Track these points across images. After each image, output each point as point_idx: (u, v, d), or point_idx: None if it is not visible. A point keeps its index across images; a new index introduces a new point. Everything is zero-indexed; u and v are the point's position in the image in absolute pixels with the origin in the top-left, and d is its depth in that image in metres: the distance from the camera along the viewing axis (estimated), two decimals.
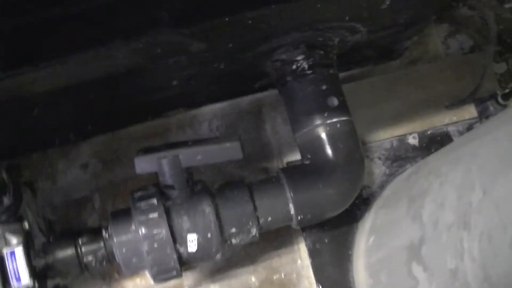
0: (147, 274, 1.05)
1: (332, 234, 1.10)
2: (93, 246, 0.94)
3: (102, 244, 0.94)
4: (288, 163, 1.06)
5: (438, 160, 0.97)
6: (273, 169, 1.13)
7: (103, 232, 0.94)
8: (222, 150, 0.92)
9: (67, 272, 0.93)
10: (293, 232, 1.10)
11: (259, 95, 1.15)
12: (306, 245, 1.10)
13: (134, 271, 0.96)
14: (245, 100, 1.15)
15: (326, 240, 1.10)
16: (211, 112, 1.14)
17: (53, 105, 0.96)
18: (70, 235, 0.95)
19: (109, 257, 0.94)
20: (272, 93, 1.13)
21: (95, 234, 0.95)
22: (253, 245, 1.04)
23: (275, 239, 1.09)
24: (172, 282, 1.08)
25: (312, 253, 1.09)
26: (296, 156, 1.07)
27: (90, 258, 0.94)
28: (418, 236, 0.87)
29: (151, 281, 1.05)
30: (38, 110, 0.94)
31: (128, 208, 0.94)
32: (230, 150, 0.92)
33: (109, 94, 0.98)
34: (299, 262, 1.10)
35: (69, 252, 0.93)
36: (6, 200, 0.85)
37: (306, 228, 1.09)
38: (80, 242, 0.94)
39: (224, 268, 1.09)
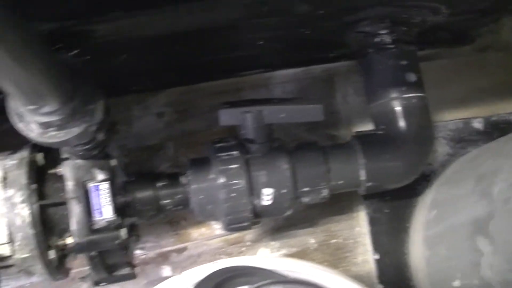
0: (213, 225, 1.11)
1: (392, 205, 1.14)
2: (171, 190, 0.97)
3: (179, 189, 0.97)
4: (356, 132, 1.09)
5: (507, 143, 1.00)
6: (340, 136, 1.17)
7: (181, 178, 0.98)
8: (304, 111, 0.95)
9: (144, 212, 0.96)
10: (353, 199, 1.14)
11: (332, 65, 1.18)
12: (367, 213, 1.14)
13: (206, 218, 0.99)
14: (319, 68, 1.19)
15: (386, 210, 1.14)
16: (284, 76, 1.18)
17: (143, 52, 0.99)
18: (149, 177, 0.99)
19: (185, 202, 0.98)
20: (344, 64, 1.17)
21: (172, 179, 0.98)
22: (314, 208, 1.08)
23: (335, 204, 1.13)
24: (235, 235, 1.12)
25: (372, 221, 1.13)
26: (364, 127, 1.10)
27: (167, 200, 0.97)
28: (486, 212, 0.90)
29: (216, 231, 1.10)
30: (127, 55, 0.98)
31: (207, 157, 0.98)
32: (312, 111, 0.95)
33: (197, 47, 1.01)
34: (357, 229, 1.15)
35: (148, 193, 0.97)
36: (100, 136, 0.88)
37: (368, 196, 1.13)
38: (159, 185, 0.97)
39: (284, 228, 1.13)
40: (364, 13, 0.99)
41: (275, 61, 1.15)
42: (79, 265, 1.07)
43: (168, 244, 1.10)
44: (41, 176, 0.94)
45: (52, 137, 0.76)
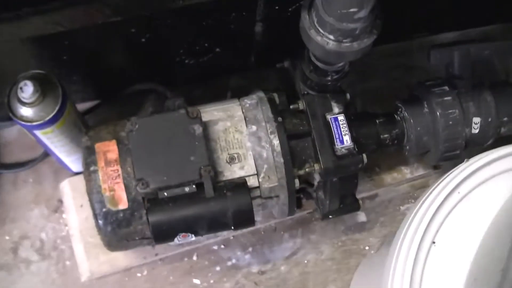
0: (403, 169, 1.20)
1: None
2: (389, 126, 1.08)
3: (396, 124, 1.08)
4: None
5: None
6: None
7: (395, 115, 1.09)
8: (508, 46, 1.08)
9: (367, 146, 1.05)
10: None
11: (485, 28, 1.31)
12: None
13: (420, 150, 1.09)
14: (474, 31, 1.31)
15: None
16: (445, 39, 1.30)
17: None
18: (368, 115, 1.09)
19: (400, 137, 1.08)
20: (499, 26, 1.29)
21: (388, 116, 1.09)
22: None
23: None
24: (419, 181, 1.23)
25: None
26: None
27: (386, 135, 1.08)
28: None
29: (406, 176, 1.20)
30: None
31: (415, 96, 1.09)
32: None
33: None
34: None
35: (370, 128, 1.07)
36: (347, 67, 0.99)
37: None
38: (378, 121, 1.08)
39: None
40: None
41: (441, 24, 1.28)
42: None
43: (364, 190, 1.19)
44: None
45: (346, 47, 0.86)
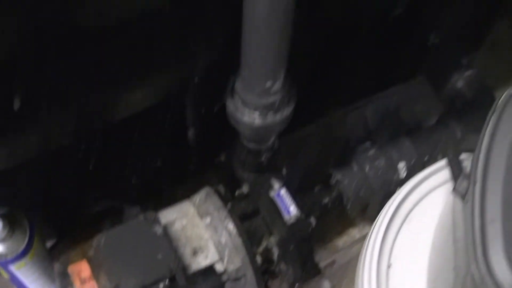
0: (351, 231, 1.30)
1: None
2: (327, 191, 1.19)
3: (333, 188, 1.19)
4: None
5: None
6: None
7: (330, 181, 1.20)
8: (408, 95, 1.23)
9: (312, 214, 1.15)
10: None
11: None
12: None
13: (361, 205, 1.20)
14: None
15: None
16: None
17: None
18: (306, 187, 1.20)
19: (339, 197, 1.19)
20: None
21: (324, 184, 1.21)
22: None
23: None
24: None
25: None
26: None
27: (326, 199, 1.18)
28: None
29: (356, 236, 1.29)
30: None
31: (344, 160, 1.22)
32: None
33: None
34: None
35: (311, 197, 1.18)
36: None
37: None
38: (317, 189, 1.19)
39: None
40: None
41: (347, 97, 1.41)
42: None
43: (322, 259, 1.24)
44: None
45: (270, 121, 0.97)
